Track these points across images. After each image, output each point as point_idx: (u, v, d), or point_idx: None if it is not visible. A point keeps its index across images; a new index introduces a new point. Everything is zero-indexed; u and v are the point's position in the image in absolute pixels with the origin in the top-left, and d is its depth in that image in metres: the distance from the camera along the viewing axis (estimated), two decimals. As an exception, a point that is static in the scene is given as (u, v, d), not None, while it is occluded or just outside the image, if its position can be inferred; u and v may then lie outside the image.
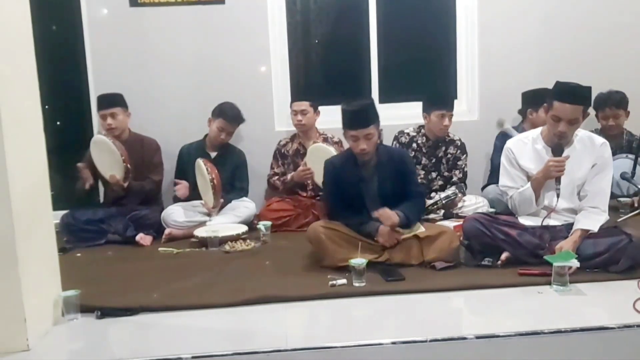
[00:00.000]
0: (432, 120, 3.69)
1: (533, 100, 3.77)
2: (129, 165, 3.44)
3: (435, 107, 3.67)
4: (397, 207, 2.80)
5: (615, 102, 3.87)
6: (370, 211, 2.85)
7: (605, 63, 4.15)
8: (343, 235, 2.79)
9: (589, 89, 2.67)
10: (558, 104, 2.63)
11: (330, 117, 3.96)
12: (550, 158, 2.69)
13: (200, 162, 3.57)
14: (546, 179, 2.70)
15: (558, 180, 2.68)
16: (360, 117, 2.77)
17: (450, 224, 3.20)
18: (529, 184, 2.76)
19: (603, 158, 2.73)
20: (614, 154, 3.70)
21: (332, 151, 3.51)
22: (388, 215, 2.73)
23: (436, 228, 2.88)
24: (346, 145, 3.82)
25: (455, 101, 4.09)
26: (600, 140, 2.77)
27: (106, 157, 3.49)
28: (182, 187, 3.70)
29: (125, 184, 3.50)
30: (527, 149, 2.83)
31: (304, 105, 3.80)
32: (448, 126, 3.70)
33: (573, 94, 2.62)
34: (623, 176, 3.68)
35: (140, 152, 3.67)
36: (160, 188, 3.85)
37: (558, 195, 2.70)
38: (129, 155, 3.44)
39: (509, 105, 4.05)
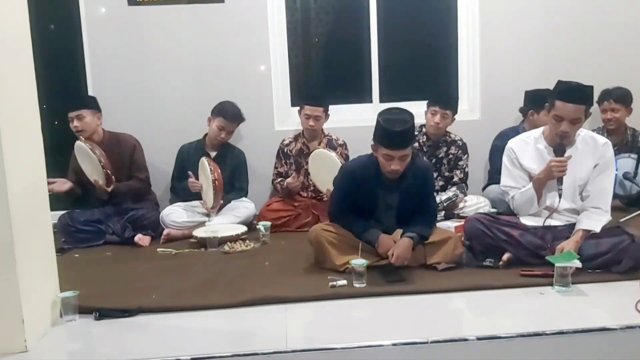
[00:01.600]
0: (426, 116, 3.72)
1: (535, 100, 3.77)
2: (108, 171, 3.43)
3: (430, 102, 3.73)
4: (411, 225, 2.75)
5: (615, 96, 3.90)
6: (380, 223, 2.82)
7: (606, 62, 4.14)
8: (344, 238, 2.76)
9: (591, 88, 2.65)
10: (560, 103, 2.62)
11: (330, 117, 3.95)
12: (552, 158, 2.67)
13: (204, 161, 3.55)
14: (548, 179, 2.69)
15: (560, 180, 2.67)
16: (401, 138, 2.56)
17: (451, 224, 3.19)
18: (530, 184, 2.74)
19: (605, 158, 2.72)
20: (616, 151, 3.74)
21: (334, 157, 3.50)
22: (403, 258, 2.64)
23: (441, 233, 2.84)
24: (349, 146, 3.85)
25: (456, 101, 4.06)
26: (602, 140, 2.76)
27: (88, 163, 3.48)
28: (195, 183, 3.61)
29: (109, 189, 3.48)
30: (529, 148, 2.82)
31: (319, 111, 3.76)
32: (439, 124, 3.68)
33: (575, 94, 2.61)
34: (626, 176, 3.67)
35: (118, 151, 3.61)
36: (149, 185, 3.81)
37: (560, 196, 2.69)
38: (108, 159, 3.44)
39: (510, 104, 4.04)
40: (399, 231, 2.84)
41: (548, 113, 2.72)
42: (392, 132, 2.54)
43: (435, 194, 3.63)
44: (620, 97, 3.89)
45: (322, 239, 2.73)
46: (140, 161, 3.72)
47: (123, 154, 3.65)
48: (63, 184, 3.56)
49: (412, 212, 2.82)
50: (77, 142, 3.50)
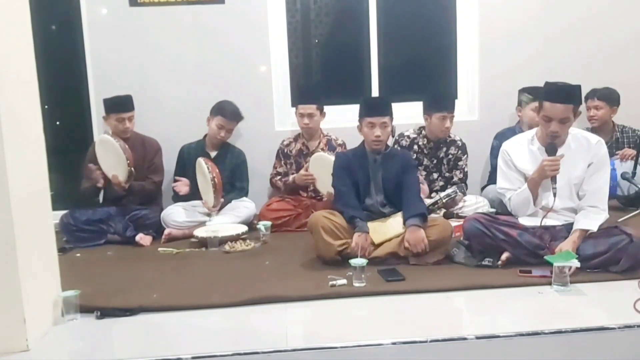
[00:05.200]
0: (433, 122, 3.68)
1: (520, 97, 3.84)
2: (133, 169, 3.45)
3: (437, 108, 3.66)
4: (404, 206, 2.92)
5: (599, 94, 3.93)
6: (372, 198, 3.01)
7: (606, 63, 4.15)
8: (341, 226, 2.83)
9: (578, 87, 2.67)
10: (548, 104, 2.64)
11: (330, 117, 3.98)
12: (544, 158, 2.69)
13: (201, 161, 3.56)
14: (542, 179, 2.71)
15: (554, 179, 2.68)
16: (378, 106, 3.03)
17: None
18: (525, 185, 2.76)
19: (599, 156, 2.73)
20: (609, 148, 3.78)
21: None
22: (419, 245, 2.76)
23: (430, 221, 2.90)
24: (348, 146, 3.85)
25: (456, 101, 4.08)
26: (595, 138, 2.77)
27: (110, 158, 3.50)
28: (182, 184, 3.69)
29: (127, 185, 3.52)
30: (523, 150, 2.84)
31: (311, 108, 3.79)
32: (449, 128, 3.69)
33: (562, 93, 2.62)
34: (623, 176, 3.68)
35: (141, 152, 3.68)
36: (160, 189, 3.86)
37: (554, 195, 2.69)
38: (133, 158, 3.46)
39: (509, 105, 4.05)
40: (393, 219, 2.93)
41: (538, 114, 2.74)
42: (371, 99, 3.29)
43: (434, 193, 3.69)
44: (604, 95, 3.93)
45: (318, 224, 2.80)
46: (159, 164, 3.79)
47: (146, 156, 3.71)
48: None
49: (397, 189, 3.00)
50: (103, 135, 3.55)
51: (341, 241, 2.79)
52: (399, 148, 3.76)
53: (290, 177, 3.80)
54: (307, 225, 2.90)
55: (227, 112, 3.76)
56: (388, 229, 2.91)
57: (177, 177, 3.76)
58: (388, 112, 3.01)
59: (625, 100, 4.01)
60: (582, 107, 3.91)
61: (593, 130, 3.96)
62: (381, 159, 3.03)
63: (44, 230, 2.28)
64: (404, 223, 2.87)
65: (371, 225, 2.91)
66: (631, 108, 4.05)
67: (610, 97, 3.94)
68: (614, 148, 3.91)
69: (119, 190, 3.56)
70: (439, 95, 3.87)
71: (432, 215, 3.30)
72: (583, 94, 2.71)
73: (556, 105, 2.61)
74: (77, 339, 2.20)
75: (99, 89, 3.96)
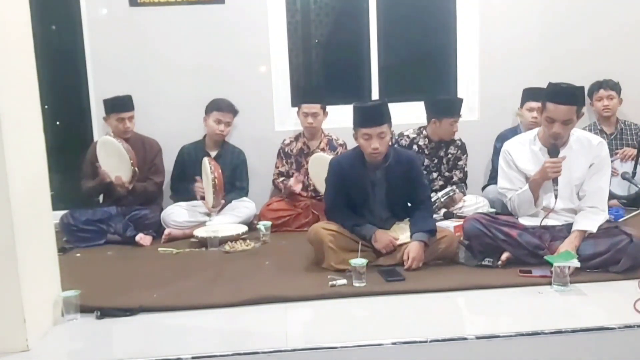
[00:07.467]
0: (443, 126, 3.65)
1: (522, 99, 3.87)
2: (137, 169, 3.46)
3: (449, 114, 3.62)
4: (412, 223, 2.81)
5: (611, 84, 3.97)
6: (374, 214, 2.87)
7: (605, 62, 4.14)
8: (344, 237, 2.78)
9: (581, 89, 2.68)
10: (551, 105, 2.63)
11: (330, 117, 3.98)
12: (546, 159, 2.69)
13: (205, 161, 3.57)
14: (544, 180, 2.71)
15: (555, 181, 2.68)
16: (374, 115, 2.72)
17: (450, 224, 3.19)
18: (527, 186, 2.76)
19: (600, 157, 2.73)
20: (613, 142, 3.80)
21: None
22: (418, 261, 2.69)
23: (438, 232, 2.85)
24: (349, 146, 3.85)
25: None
26: (597, 139, 2.77)
27: (113, 159, 3.50)
28: (201, 186, 3.66)
29: (130, 186, 3.53)
30: (525, 150, 2.83)
31: (316, 108, 3.80)
32: (457, 130, 3.70)
33: (566, 95, 2.62)
34: (624, 176, 3.69)
35: (142, 153, 3.69)
36: (161, 189, 3.86)
37: (556, 196, 2.69)
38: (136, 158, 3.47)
39: (509, 105, 4.05)
40: (397, 226, 2.88)
41: (541, 114, 2.74)
42: (366, 108, 2.77)
43: (433, 193, 3.67)
44: (614, 85, 3.98)
45: (323, 238, 2.74)
46: (160, 165, 3.80)
47: (146, 156, 3.72)
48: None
49: (404, 202, 2.89)
50: (105, 137, 3.56)
51: (347, 259, 2.64)
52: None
53: (290, 181, 3.78)
54: (308, 238, 2.83)
55: (221, 106, 3.78)
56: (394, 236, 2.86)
57: (197, 184, 3.67)
58: (385, 120, 2.72)
59: (625, 95, 4.03)
60: (585, 107, 3.96)
61: (604, 121, 3.99)
62: (383, 172, 2.80)
63: (44, 230, 2.28)
64: (411, 235, 2.77)
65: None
66: (631, 103, 4.06)
67: (617, 87, 3.99)
68: (617, 140, 3.95)
69: (122, 191, 3.56)
70: (451, 101, 3.82)
71: (441, 222, 3.27)
72: (584, 90, 2.69)
73: (559, 106, 2.61)
74: (77, 339, 2.20)
75: (99, 89, 3.96)
